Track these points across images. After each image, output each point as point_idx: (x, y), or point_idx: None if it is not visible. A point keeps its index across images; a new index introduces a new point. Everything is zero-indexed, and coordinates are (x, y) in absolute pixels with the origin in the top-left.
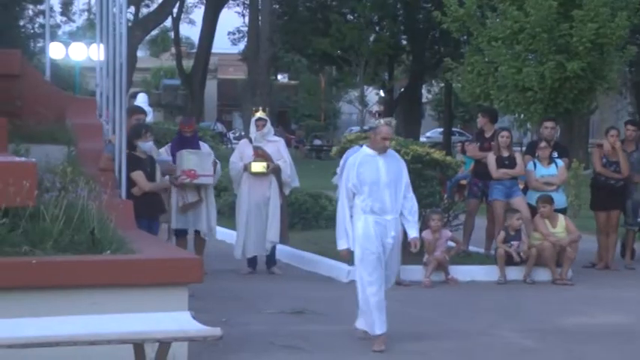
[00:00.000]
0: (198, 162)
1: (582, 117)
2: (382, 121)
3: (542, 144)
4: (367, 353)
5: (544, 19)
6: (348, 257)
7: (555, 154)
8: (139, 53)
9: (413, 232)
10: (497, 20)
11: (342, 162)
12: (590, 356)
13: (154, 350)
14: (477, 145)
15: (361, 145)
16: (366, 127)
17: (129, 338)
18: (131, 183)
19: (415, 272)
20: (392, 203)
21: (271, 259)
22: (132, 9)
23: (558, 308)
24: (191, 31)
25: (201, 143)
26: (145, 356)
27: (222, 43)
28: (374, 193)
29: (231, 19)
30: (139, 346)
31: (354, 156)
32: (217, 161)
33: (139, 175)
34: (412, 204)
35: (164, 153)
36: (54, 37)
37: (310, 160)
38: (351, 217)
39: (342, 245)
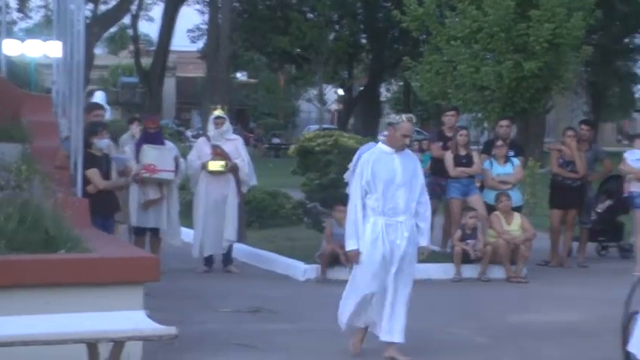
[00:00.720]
0: (159, 157)
1: (538, 116)
2: (404, 116)
3: (499, 143)
4: (320, 352)
5: (502, 18)
6: (357, 259)
7: (511, 153)
8: (97, 50)
9: (423, 241)
10: (456, 19)
11: (355, 158)
12: (543, 353)
13: (108, 350)
14: (439, 144)
15: (376, 142)
16: (387, 121)
17: (82, 338)
18: (86, 181)
19: None
20: (406, 204)
21: (228, 257)
22: (90, 6)
23: (512, 306)
24: (150, 28)
25: (165, 141)
26: (98, 356)
27: (181, 41)
28: (387, 192)
29: (191, 16)
30: (92, 346)
31: (370, 152)
32: (182, 159)
33: (94, 173)
34: (426, 209)
35: (129, 151)
36: (10, 34)
37: (268, 159)
38: (364, 216)
39: (351, 246)
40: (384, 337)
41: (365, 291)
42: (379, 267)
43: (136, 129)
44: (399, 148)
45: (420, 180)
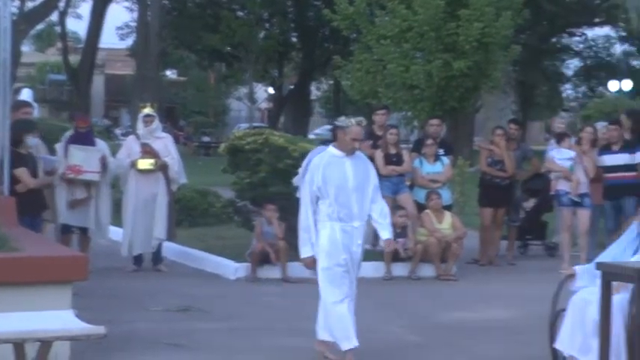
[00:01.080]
0: (85, 158)
1: (467, 115)
2: (353, 120)
3: (429, 141)
4: (251, 352)
5: (432, 18)
6: (312, 266)
7: (441, 152)
8: (24, 48)
9: (386, 234)
10: (386, 19)
11: (305, 162)
12: (473, 350)
13: (35, 350)
14: (369, 142)
15: (326, 145)
16: (331, 126)
17: (9, 338)
18: (14, 180)
19: (302, 268)
20: (359, 209)
21: (157, 256)
22: (17, 2)
23: (443, 304)
24: (78, 25)
25: (97, 140)
26: (25, 356)
27: (110, 38)
28: (340, 197)
29: (120, 13)
30: (19, 346)
31: (320, 156)
32: (111, 158)
33: (23, 172)
34: (382, 206)
35: (59, 149)
36: None
37: (198, 157)
38: (315, 223)
39: (306, 253)
40: (346, 345)
41: (331, 298)
42: (340, 272)
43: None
44: (349, 152)
45: (373, 182)
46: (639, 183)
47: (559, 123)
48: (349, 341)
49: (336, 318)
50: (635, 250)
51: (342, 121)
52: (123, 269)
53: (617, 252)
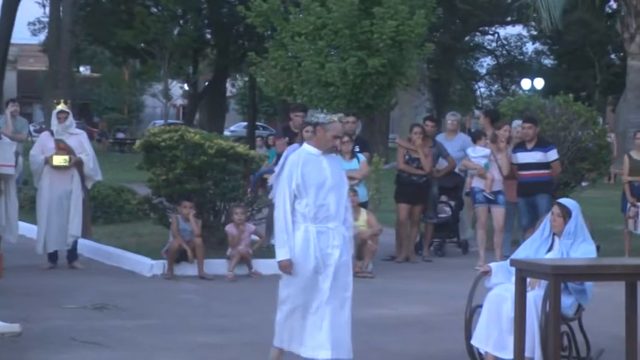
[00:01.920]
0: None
1: (383, 112)
2: (335, 116)
3: (345, 138)
4: (167, 349)
5: (346, 15)
6: (289, 269)
7: (357, 149)
8: None
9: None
10: (301, 16)
11: (281, 160)
12: (389, 347)
13: None
14: (286, 139)
15: (300, 143)
16: (316, 120)
17: None
18: None
19: (218, 266)
20: (336, 210)
21: (73, 253)
22: None
23: (359, 301)
24: None
25: (2, 136)
26: None
27: (22, 34)
28: (319, 197)
29: (32, 8)
30: None
31: (296, 153)
32: (19, 154)
33: None
34: (350, 215)
35: None
36: None
37: (113, 154)
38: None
39: (282, 255)
40: (306, 352)
41: (291, 305)
42: (309, 279)
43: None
44: (327, 151)
45: (346, 183)
46: (552, 180)
47: (451, 120)
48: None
49: (283, 322)
50: (549, 248)
51: (322, 117)
52: (38, 267)
53: (531, 249)
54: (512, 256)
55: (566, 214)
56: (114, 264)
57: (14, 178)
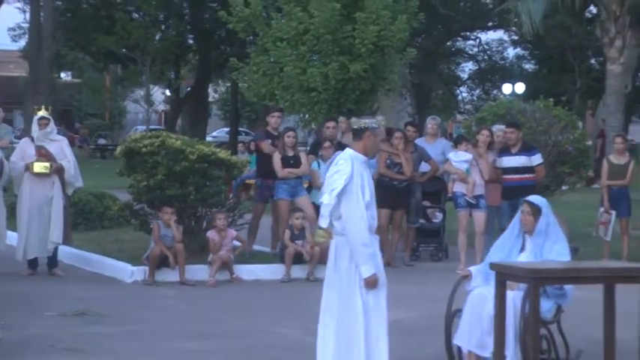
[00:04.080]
0: None
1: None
2: (380, 118)
3: (326, 144)
4: (149, 355)
5: (328, 20)
6: (376, 285)
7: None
8: None
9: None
10: (283, 21)
11: (349, 166)
12: None
13: None
14: (269, 141)
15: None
16: (363, 125)
17: None
18: None
19: (200, 271)
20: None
21: (53, 260)
22: None
23: None
24: None
25: None
26: None
27: (1, 39)
28: (371, 207)
29: (12, 14)
30: None
31: (357, 161)
32: (5, 161)
33: None
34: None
35: None
36: None
37: (95, 160)
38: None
39: (370, 271)
40: None
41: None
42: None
43: None
44: (372, 156)
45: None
46: (536, 184)
47: (431, 124)
48: None
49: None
50: (521, 249)
51: (368, 122)
52: (18, 274)
53: (503, 251)
54: (487, 259)
55: (537, 211)
56: (95, 270)
57: (0, 185)
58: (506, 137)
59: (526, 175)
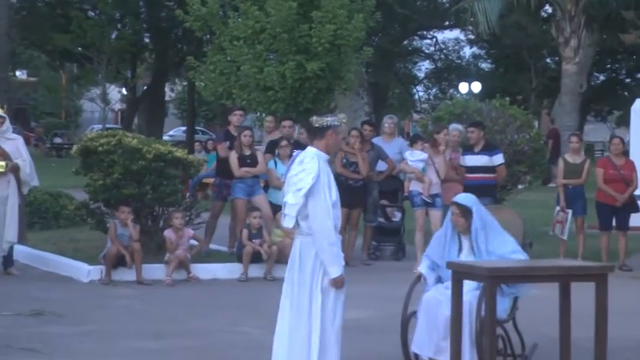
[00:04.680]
0: None
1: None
2: (342, 116)
3: (283, 142)
4: (106, 355)
5: (284, 19)
6: (343, 284)
7: (295, 153)
8: None
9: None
10: (239, 20)
11: (316, 165)
12: None
13: None
14: (226, 144)
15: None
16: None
17: None
18: None
19: (157, 271)
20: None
21: (8, 259)
22: None
23: None
24: None
25: None
26: None
27: None
28: (337, 207)
29: None
30: None
31: (322, 160)
32: None
33: None
34: None
35: None
36: None
37: (51, 159)
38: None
39: (338, 271)
40: None
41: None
42: None
43: None
44: (332, 156)
45: None
46: (496, 184)
47: (388, 123)
48: None
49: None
50: (459, 249)
51: (330, 120)
52: None
53: (439, 251)
54: (425, 257)
55: (466, 212)
56: (51, 270)
57: None
58: (468, 137)
59: (487, 175)
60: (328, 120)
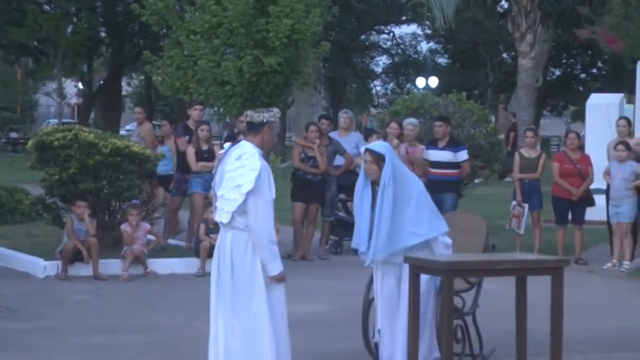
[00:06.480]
0: None
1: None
2: (276, 111)
3: (240, 137)
4: (62, 351)
5: (241, 14)
6: (285, 280)
7: None
8: None
9: None
10: (196, 14)
11: (257, 164)
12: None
13: None
14: (185, 138)
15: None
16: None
17: None
18: None
19: (114, 266)
20: None
21: None
22: None
23: None
24: None
25: None
26: None
27: None
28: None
29: None
30: None
31: (260, 154)
32: None
33: None
34: None
35: None
36: None
37: (6, 154)
38: None
39: (279, 267)
40: None
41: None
42: None
43: None
44: (266, 152)
45: None
46: (460, 180)
47: (343, 117)
48: None
49: None
50: (373, 199)
51: (269, 115)
52: None
53: (358, 204)
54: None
55: (379, 159)
56: (6, 265)
57: None
58: (434, 131)
59: (450, 171)
60: (265, 116)
